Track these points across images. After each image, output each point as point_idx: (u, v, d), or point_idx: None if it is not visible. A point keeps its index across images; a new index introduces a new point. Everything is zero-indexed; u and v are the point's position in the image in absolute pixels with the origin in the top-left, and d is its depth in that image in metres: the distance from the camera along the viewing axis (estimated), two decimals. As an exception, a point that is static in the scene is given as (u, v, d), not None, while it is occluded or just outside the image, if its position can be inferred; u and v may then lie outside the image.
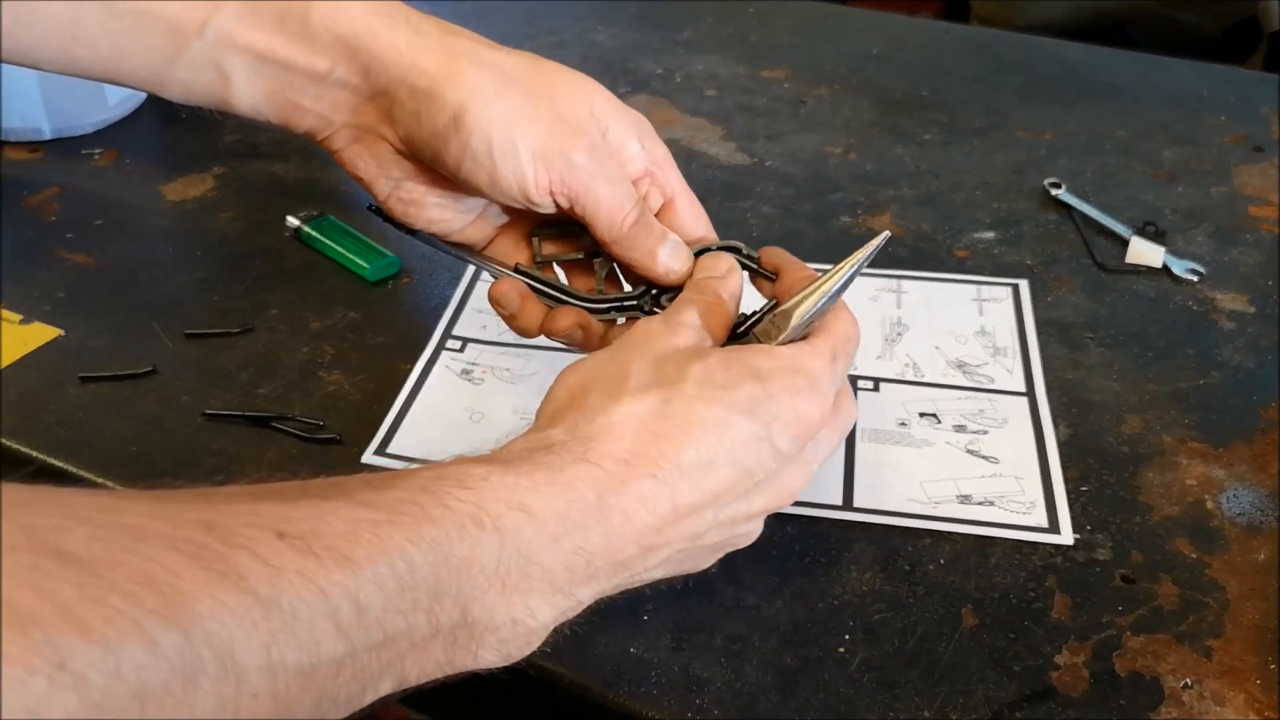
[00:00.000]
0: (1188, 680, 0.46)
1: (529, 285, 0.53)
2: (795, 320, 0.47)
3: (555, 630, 0.41)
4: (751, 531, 0.47)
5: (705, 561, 0.46)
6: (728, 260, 0.51)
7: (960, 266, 0.74)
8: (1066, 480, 0.56)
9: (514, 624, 0.38)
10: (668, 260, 0.51)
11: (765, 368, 0.44)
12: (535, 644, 0.40)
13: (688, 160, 0.86)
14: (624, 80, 0.99)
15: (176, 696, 0.27)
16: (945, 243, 0.76)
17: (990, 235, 0.77)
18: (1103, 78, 1.00)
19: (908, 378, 0.64)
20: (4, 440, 0.58)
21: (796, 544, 0.52)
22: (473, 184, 0.49)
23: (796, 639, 0.48)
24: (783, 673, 0.46)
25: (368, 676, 0.33)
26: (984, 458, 0.58)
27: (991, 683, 0.46)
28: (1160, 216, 0.79)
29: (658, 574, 0.44)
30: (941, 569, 0.51)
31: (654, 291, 0.53)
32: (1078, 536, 0.53)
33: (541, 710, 0.49)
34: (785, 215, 0.80)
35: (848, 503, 0.55)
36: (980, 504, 0.55)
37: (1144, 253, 0.74)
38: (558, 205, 0.50)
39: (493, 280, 0.54)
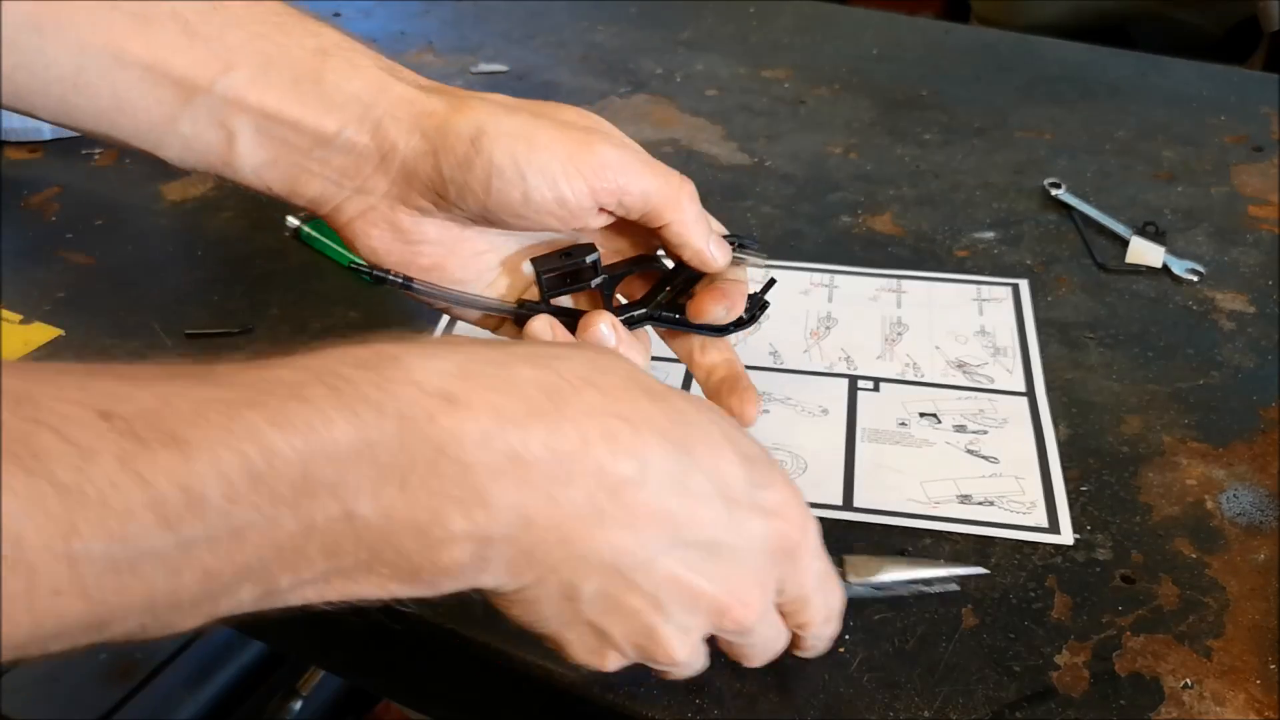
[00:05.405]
0: (1188, 680, 0.46)
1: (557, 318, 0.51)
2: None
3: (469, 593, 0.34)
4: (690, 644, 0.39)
5: (640, 630, 0.38)
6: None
7: (960, 266, 0.74)
8: (1066, 480, 0.56)
9: (419, 533, 0.31)
10: (717, 253, 0.51)
11: None
12: (443, 560, 0.32)
13: (687, 160, 0.86)
14: (624, 80, 0.99)
15: None
16: (945, 243, 0.76)
17: (990, 235, 0.77)
18: (1103, 78, 1.01)
19: (908, 378, 0.64)
20: (4, 440, 0.58)
21: (796, 544, 0.52)
22: (506, 205, 0.47)
23: (796, 639, 0.48)
24: (783, 673, 0.46)
25: (215, 580, 0.29)
26: (984, 458, 0.58)
27: (991, 683, 0.46)
28: (1160, 216, 0.79)
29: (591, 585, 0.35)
30: (941, 569, 0.51)
31: (660, 298, 0.52)
32: (1078, 536, 0.53)
33: (541, 710, 0.49)
34: (785, 215, 0.80)
35: (848, 503, 0.55)
36: (980, 504, 0.55)
37: (1144, 253, 0.74)
38: (603, 210, 0.48)
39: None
